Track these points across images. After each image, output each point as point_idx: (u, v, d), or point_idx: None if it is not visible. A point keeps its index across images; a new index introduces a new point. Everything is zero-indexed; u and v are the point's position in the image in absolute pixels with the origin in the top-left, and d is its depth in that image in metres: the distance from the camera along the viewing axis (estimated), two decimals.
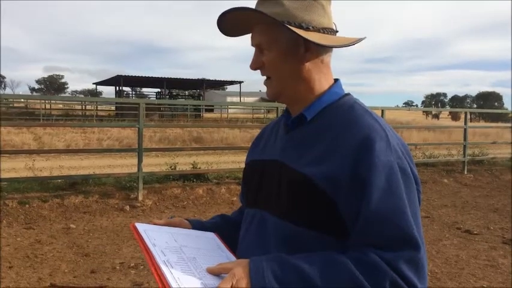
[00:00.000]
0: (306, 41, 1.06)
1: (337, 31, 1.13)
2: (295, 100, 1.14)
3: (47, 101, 28.47)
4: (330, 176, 0.99)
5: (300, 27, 1.06)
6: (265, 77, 1.14)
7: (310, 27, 1.07)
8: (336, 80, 1.17)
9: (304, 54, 1.09)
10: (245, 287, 0.91)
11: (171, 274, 0.91)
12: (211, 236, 1.19)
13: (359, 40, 1.12)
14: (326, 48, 1.11)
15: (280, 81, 1.11)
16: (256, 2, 1.11)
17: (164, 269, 0.91)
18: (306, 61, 1.09)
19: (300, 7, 1.06)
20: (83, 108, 30.92)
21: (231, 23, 1.12)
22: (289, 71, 1.10)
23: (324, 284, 0.91)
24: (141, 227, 1.07)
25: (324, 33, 1.09)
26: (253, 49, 1.14)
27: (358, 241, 0.97)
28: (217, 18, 1.10)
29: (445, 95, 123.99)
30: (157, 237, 1.04)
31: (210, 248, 1.11)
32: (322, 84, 1.13)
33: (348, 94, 1.15)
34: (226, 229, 1.27)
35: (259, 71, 1.14)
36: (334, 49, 1.13)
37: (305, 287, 0.92)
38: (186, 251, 1.03)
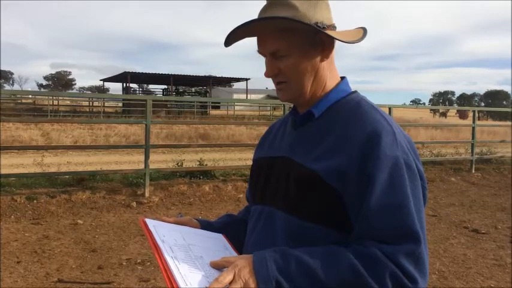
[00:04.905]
0: (322, 40, 1.07)
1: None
2: (308, 99, 1.14)
3: (54, 97, 28.68)
4: (338, 171, 1.00)
5: (318, 26, 1.05)
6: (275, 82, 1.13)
7: (325, 26, 1.07)
8: (343, 78, 1.18)
9: (322, 54, 1.09)
10: (248, 276, 0.92)
11: (177, 270, 0.92)
12: (219, 237, 1.19)
13: (365, 31, 1.13)
14: (335, 45, 1.11)
15: (300, 84, 1.10)
16: (264, 8, 1.08)
17: (171, 265, 0.92)
18: (323, 60, 1.10)
19: (310, 7, 1.06)
20: (90, 104, 31.04)
21: (242, 32, 1.09)
22: (310, 72, 1.10)
23: (326, 275, 0.93)
24: (151, 222, 1.08)
25: (333, 29, 1.10)
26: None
27: (360, 234, 0.98)
28: (236, 27, 1.06)
29: (452, 93, 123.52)
30: (166, 233, 1.05)
31: (217, 248, 1.12)
32: (331, 81, 1.14)
33: (355, 92, 1.17)
34: (233, 228, 1.28)
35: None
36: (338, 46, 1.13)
37: (307, 276, 0.93)
38: (193, 249, 1.03)
